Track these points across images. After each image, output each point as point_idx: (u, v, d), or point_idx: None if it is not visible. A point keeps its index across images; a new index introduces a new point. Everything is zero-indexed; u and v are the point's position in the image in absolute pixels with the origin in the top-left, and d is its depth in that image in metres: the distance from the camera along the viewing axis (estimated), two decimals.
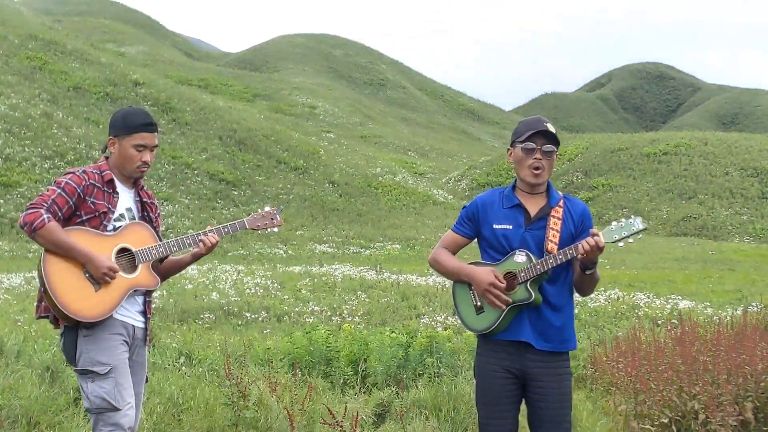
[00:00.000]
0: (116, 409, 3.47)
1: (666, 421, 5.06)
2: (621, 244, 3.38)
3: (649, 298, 16.60)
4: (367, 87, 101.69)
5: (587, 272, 3.42)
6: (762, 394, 5.26)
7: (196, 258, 3.84)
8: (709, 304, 15.67)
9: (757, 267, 26.58)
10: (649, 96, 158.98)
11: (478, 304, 3.49)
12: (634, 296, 16.64)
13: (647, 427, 4.99)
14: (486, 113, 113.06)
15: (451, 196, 51.31)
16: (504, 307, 3.38)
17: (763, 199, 45.06)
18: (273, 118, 63.02)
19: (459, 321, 3.71)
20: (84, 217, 3.57)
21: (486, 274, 3.41)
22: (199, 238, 3.76)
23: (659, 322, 10.99)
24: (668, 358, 5.96)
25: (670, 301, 16.18)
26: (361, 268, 21.96)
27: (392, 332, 8.66)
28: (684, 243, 35.62)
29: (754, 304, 13.54)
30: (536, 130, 3.46)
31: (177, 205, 34.23)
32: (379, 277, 19.53)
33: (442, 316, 13.56)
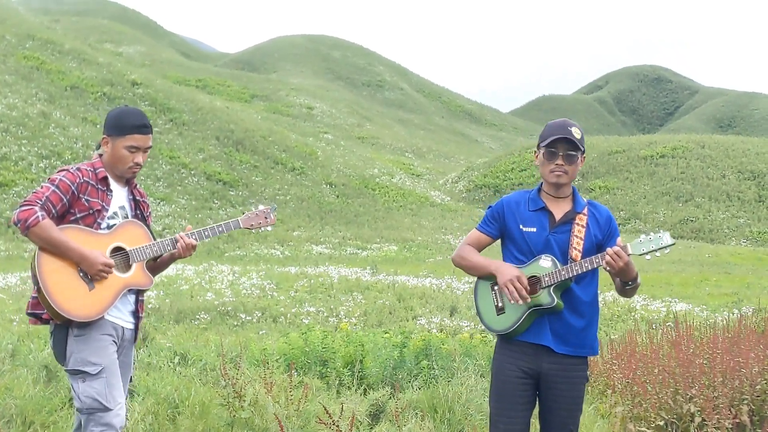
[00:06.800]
0: (107, 409, 3.46)
1: (662, 423, 5.06)
2: (648, 257, 3.37)
3: (645, 300, 16.60)
4: (365, 88, 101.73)
5: (627, 287, 3.46)
6: (757, 397, 5.27)
7: (173, 259, 3.85)
8: (705, 307, 15.69)
9: (754, 270, 26.62)
10: (646, 99, 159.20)
11: (500, 304, 3.49)
12: (630, 299, 16.62)
13: (643, 429, 4.99)
14: (483, 115, 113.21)
15: (449, 198, 51.32)
16: (521, 301, 3.38)
17: (759, 203, 45.14)
18: (271, 119, 63.03)
19: (478, 320, 3.70)
20: (78, 215, 3.55)
21: (512, 268, 3.43)
22: (176, 240, 3.76)
23: (655, 324, 10.99)
24: (664, 361, 5.96)
25: (666, 303, 16.18)
26: (357, 269, 21.93)
27: (385, 332, 8.66)
28: (680, 246, 35.62)
29: (749, 307, 13.55)
30: (559, 137, 3.47)
31: (174, 206, 34.17)
32: (375, 278, 19.49)
33: (439, 318, 13.55)
